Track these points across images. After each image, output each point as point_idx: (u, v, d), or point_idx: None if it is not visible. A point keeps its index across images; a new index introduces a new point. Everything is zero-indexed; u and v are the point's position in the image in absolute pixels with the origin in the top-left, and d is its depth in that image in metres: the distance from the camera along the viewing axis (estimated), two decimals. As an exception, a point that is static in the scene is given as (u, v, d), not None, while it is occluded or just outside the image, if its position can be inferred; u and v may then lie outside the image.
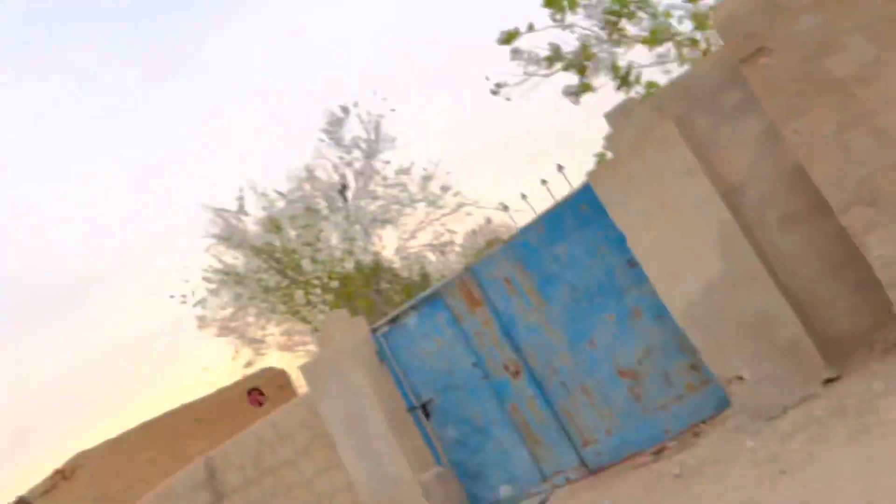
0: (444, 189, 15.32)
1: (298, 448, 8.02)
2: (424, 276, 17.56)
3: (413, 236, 15.70)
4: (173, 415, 12.09)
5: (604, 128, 5.96)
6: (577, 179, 6.32)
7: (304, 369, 7.72)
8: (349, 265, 15.62)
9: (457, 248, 15.94)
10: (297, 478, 8.12)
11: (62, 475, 11.13)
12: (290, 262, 15.18)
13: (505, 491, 6.89)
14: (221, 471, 8.87)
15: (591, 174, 5.85)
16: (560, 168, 6.11)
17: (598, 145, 7.93)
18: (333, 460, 7.71)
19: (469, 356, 6.87)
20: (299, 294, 15.19)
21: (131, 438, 11.41)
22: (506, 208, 6.38)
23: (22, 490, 12.00)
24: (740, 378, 5.20)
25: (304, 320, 15.62)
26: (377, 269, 15.90)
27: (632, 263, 5.78)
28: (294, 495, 8.19)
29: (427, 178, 15.24)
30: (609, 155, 6.48)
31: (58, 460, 11.25)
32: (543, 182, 6.34)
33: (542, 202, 6.40)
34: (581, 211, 6.02)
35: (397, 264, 16.54)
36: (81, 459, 10.87)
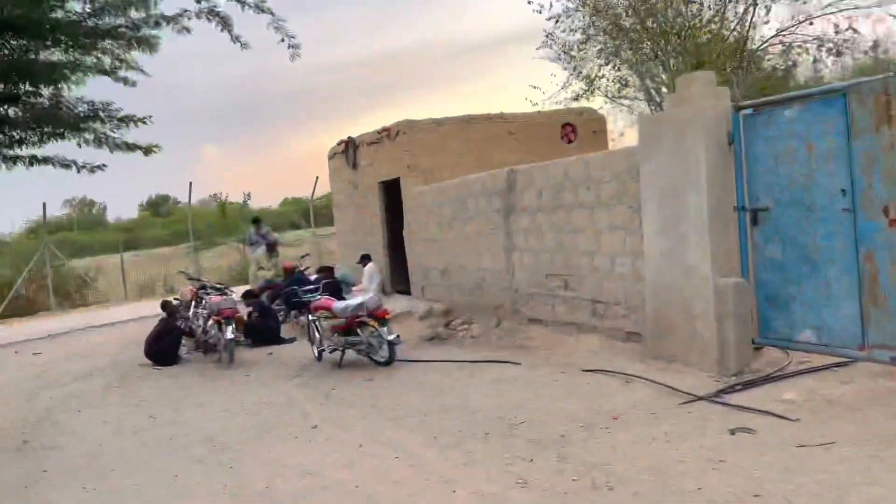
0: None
1: (602, 198, 7.68)
2: (787, 72, 15.02)
3: (808, 21, 13.03)
4: (490, 120, 12.39)
5: None
6: None
7: (644, 121, 7.03)
8: (714, 30, 13.68)
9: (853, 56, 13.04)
10: (587, 224, 7.93)
11: (387, 133, 12.29)
12: (653, 8, 13.62)
13: (806, 336, 6.02)
14: (521, 188, 8.98)
15: None
16: None
17: None
18: (631, 225, 7.30)
19: (841, 179, 5.61)
20: (649, 46, 13.86)
21: (450, 126, 12.02)
22: None
23: (354, 135, 13.63)
24: None
25: (642, 76, 14.46)
26: (743, 48, 13.77)
27: None
28: (576, 239, 8.09)
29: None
30: None
31: (388, 121, 12.39)
32: None
33: None
34: None
35: (768, 50, 14.17)
36: (405, 126, 11.80)
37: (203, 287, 11.81)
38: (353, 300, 8.85)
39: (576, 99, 14.36)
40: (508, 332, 9.12)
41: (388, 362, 8.37)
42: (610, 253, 7.67)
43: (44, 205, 17.86)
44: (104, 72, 7.91)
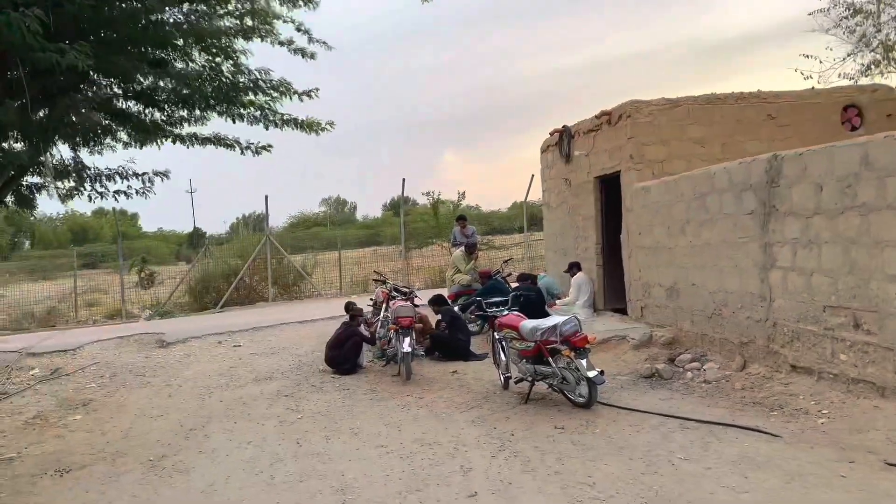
0: None
1: (931, 194, 4.98)
2: None
3: None
4: (743, 99, 9.75)
5: None
6: None
7: None
8: None
9: None
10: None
11: (607, 118, 10.20)
12: None
13: None
14: (788, 181, 6.45)
15: None
16: None
17: None
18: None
19: None
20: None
21: (689, 107, 9.58)
22: None
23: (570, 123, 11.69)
24: None
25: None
26: None
27: None
28: (879, 257, 5.44)
29: None
30: None
31: (612, 104, 10.26)
32: None
33: None
34: None
35: None
36: (630, 109, 9.62)
37: (393, 289, 10.74)
38: (544, 321, 6.98)
39: (864, 72, 10.97)
40: (758, 381, 6.63)
41: (587, 405, 6.41)
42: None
43: (266, 197, 18.36)
44: (280, 42, 6.99)
